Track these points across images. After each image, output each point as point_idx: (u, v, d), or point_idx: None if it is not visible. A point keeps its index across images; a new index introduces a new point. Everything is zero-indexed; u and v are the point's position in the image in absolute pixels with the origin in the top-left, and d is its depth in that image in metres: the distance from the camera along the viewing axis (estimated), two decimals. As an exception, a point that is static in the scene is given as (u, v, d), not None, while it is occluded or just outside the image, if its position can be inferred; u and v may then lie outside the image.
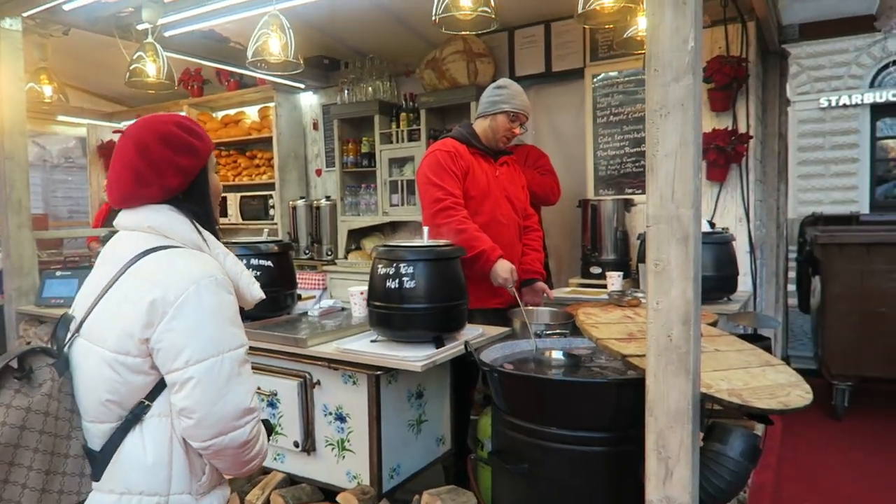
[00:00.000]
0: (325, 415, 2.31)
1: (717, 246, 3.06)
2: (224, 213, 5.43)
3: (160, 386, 1.19)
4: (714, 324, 2.48)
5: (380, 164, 4.62)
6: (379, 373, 2.10)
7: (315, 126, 5.32)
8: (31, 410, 1.12)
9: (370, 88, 4.66)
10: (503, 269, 2.52)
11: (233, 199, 5.39)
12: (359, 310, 2.63)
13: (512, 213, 2.77)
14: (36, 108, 4.40)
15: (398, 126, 4.57)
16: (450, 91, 4.27)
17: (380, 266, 2.15)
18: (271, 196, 5.18)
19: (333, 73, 5.02)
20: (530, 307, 2.72)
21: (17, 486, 1.11)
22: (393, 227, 4.84)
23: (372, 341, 2.25)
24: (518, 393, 1.89)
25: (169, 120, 1.31)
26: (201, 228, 1.30)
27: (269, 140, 5.17)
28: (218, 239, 1.36)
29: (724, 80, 3.38)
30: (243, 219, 5.39)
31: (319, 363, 2.22)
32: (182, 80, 5.43)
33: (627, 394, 1.74)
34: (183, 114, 5.71)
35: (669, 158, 1.42)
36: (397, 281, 2.09)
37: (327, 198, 4.96)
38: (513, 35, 4.27)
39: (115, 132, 1.33)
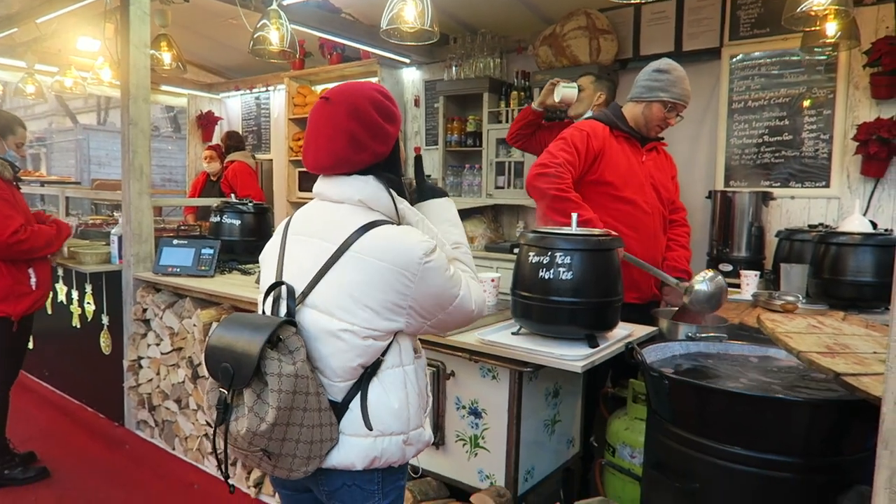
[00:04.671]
0: (458, 408, 2.17)
1: (882, 249, 2.73)
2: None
3: (388, 345, 1.33)
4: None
5: (486, 144, 4.44)
6: (528, 369, 1.95)
7: (416, 102, 5.18)
8: (297, 376, 1.21)
9: (480, 65, 4.47)
10: None
11: (329, 175, 5.33)
12: (489, 297, 2.47)
13: (657, 202, 2.55)
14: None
15: (507, 105, 4.37)
16: (568, 69, 4.03)
17: (531, 254, 1.97)
18: (369, 173, 5.08)
19: (440, 48, 4.85)
20: (674, 307, 2.50)
21: (292, 441, 1.23)
22: (497, 211, 4.68)
23: (513, 333, 2.10)
24: (692, 404, 1.69)
25: (371, 87, 1.37)
26: (398, 198, 1.37)
27: (370, 115, 5.06)
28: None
29: (893, 65, 3.01)
30: (339, 195, 5.32)
31: (458, 354, 2.08)
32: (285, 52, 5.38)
33: (828, 416, 1.53)
34: (283, 86, 5.69)
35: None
36: (552, 271, 1.92)
37: (427, 177, 4.82)
38: (639, 11, 3.99)
39: (323, 96, 1.22)
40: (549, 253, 1.93)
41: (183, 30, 4.99)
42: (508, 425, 2.05)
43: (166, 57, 3.78)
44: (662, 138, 2.63)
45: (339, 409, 1.32)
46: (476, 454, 2.14)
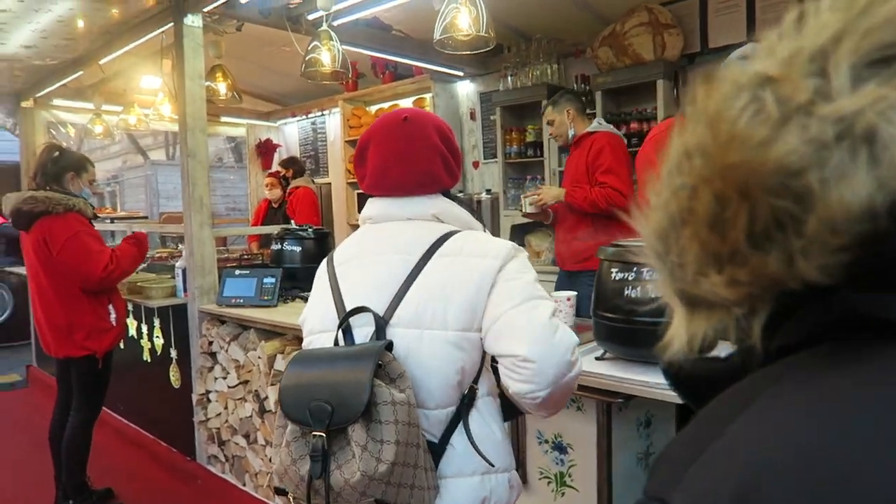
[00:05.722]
0: (540, 443, 1.99)
1: None
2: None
3: (480, 367, 1.21)
4: None
5: (548, 154, 4.26)
6: (619, 400, 1.75)
7: (472, 116, 5.05)
8: (409, 404, 1.06)
9: (536, 72, 4.30)
10: None
11: (387, 195, 5.25)
12: (565, 318, 2.28)
13: None
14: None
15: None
16: (631, 69, 3.82)
17: (613, 270, 1.78)
18: (428, 190, 4.98)
19: (493, 58, 4.71)
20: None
21: (407, 487, 1.06)
22: (563, 222, 4.46)
23: (597, 358, 1.90)
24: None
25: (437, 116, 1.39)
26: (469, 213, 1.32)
27: (425, 132, 4.97)
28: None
29: None
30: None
31: (538, 383, 1.90)
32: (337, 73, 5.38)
33: None
34: (337, 109, 5.69)
35: None
36: (639, 289, 1.72)
37: (488, 191, 4.68)
38: (706, 1, 3.73)
39: (401, 117, 1.12)
40: (635, 268, 1.73)
41: (237, 60, 5.05)
42: (598, 461, 1.85)
43: (222, 87, 3.79)
44: None
45: (437, 449, 1.16)
46: (563, 493, 1.95)
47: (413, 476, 1.05)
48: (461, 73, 4.88)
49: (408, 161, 1.24)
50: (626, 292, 1.74)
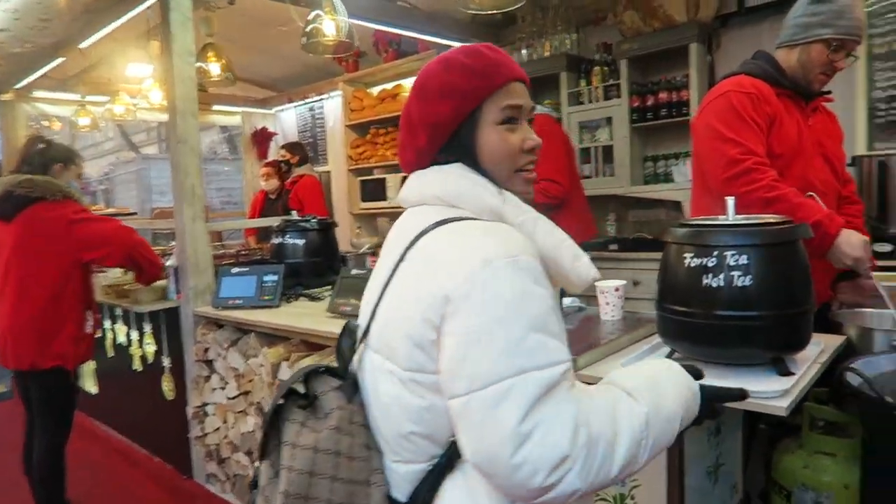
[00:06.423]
0: (597, 460, 1.69)
1: None
2: (384, 196, 5.01)
3: None
4: None
5: (568, 130, 3.92)
6: (700, 413, 1.45)
7: (483, 93, 4.72)
8: (318, 450, 0.86)
9: (554, 42, 3.97)
10: (852, 243, 1.74)
11: (393, 182, 4.94)
12: (613, 311, 1.98)
13: (831, 177, 1.98)
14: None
15: (589, 83, 3.85)
16: (661, 33, 3.49)
17: (687, 255, 1.47)
18: (436, 175, 4.67)
19: (506, 30, 4.37)
20: (855, 309, 1.94)
21: None
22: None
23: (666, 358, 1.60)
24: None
25: (452, 51, 1.00)
26: (491, 186, 0.94)
27: (432, 113, 4.65)
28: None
29: None
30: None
31: (595, 392, 1.59)
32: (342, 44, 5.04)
33: None
34: (337, 92, 5.35)
35: None
36: (722, 277, 1.41)
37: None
38: (741, -44, 3.40)
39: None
40: (716, 252, 1.42)
41: (230, 44, 4.70)
42: (669, 480, 1.55)
43: (214, 68, 3.46)
44: (828, 92, 2.04)
45: None
46: (625, 519, 1.65)
47: None
48: (470, 48, 4.55)
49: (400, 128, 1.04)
50: (705, 281, 1.43)
